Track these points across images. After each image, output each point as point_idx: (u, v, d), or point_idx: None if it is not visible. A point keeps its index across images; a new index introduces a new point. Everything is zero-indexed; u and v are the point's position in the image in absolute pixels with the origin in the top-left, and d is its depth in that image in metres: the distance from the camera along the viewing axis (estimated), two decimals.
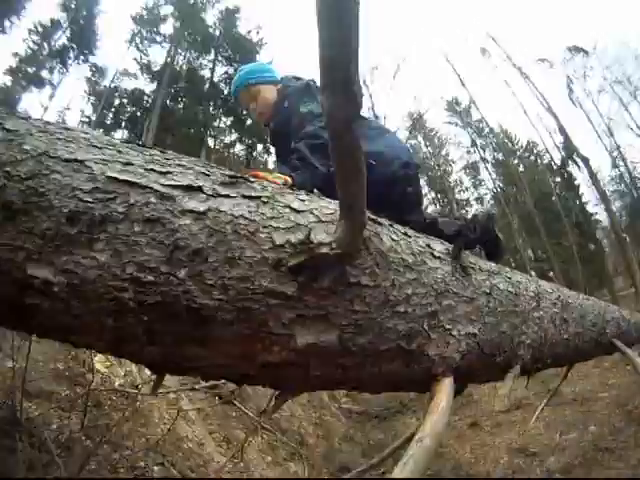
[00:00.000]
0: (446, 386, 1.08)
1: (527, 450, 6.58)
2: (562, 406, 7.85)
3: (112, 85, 27.56)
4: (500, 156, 29.57)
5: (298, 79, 2.26)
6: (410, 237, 1.14)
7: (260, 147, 28.49)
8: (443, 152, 33.20)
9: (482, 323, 1.24)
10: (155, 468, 4.35)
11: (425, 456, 0.88)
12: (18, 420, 3.32)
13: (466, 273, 1.24)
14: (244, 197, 0.85)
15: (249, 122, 25.84)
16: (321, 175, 1.67)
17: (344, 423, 10.93)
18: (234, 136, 28.93)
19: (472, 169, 32.17)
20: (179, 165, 0.88)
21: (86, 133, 0.95)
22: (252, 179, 0.93)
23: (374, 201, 0.87)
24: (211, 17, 28.60)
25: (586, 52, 25.70)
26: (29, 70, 25.43)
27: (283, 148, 2.08)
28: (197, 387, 5.96)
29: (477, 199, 32.22)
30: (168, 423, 5.26)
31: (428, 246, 1.18)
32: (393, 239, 1.04)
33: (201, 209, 0.79)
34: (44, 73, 26.47)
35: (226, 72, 27.31)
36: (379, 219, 1.07)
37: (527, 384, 2.01)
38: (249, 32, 28.23)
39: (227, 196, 0.83)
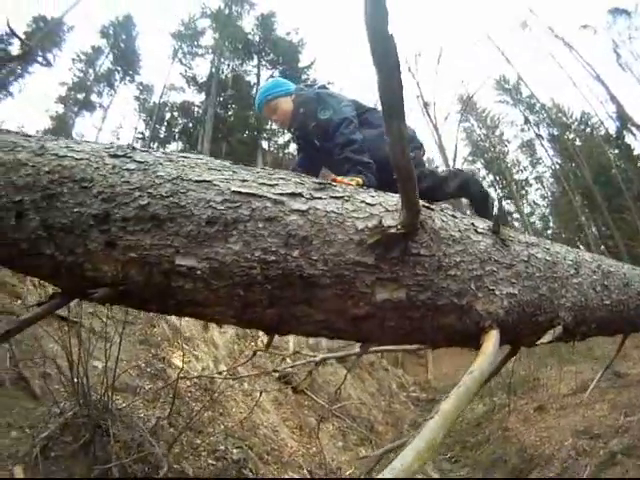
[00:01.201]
0: (493, 336, 1.33)
1: (591, 432, 6.60)
2: (627, 388, 7.79)
3: (161, 100, 28.81)
4: (555, 131, 28.41)
5: (308, 86, 2.70)
6: (457, 218, 1.44)
7: None
8: (497, 132, 32.14)
9: (521, 286, 1.47)
10: (234, 451, 4.81)
11: (474, 383, 1.15)
12: (111, 410, 3.82)
13: (505, 245, 1.50)
14: (331, 197, 1.21)
15: None
16: (374, 168, 2.03)
17: (412, 410, 11.16)
18: (287, 136, 29.78)
19: (528, 147, 30.86)
20: (281, 178, 1.25)
21: (200, 159, 1.33)
22: (334, 184, 1.28)
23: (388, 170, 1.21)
24: (248, 24, 29.41)
25: (628, 13, 24.32)
26: (79, 96, 27.21)
27: (304, 145, 2.59)
28: (273, 374, 6.47)
29: (536, 178, 30.87)
30: (244, 412, 5.74)
31: (472, 224, 1.46)
32: (443, 220, 1.35)
33: (304, 208, 1.15)
34: (93, 97, 28.39)
35: (271, 75, 28.10)
36: (431, 205, 1.37)
37: (573, 346, 2.17)
38: (288, 34, 28.92)
39: (320, 198, 1.20)
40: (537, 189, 30.42)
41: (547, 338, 1.59)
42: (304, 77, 28.03)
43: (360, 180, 1.76)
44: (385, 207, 1.25)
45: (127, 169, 1.25)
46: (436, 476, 6.85)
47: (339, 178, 1.54)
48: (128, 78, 29.85)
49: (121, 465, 3.52)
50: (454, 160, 21.56)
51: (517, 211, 28.63)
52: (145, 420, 4.16)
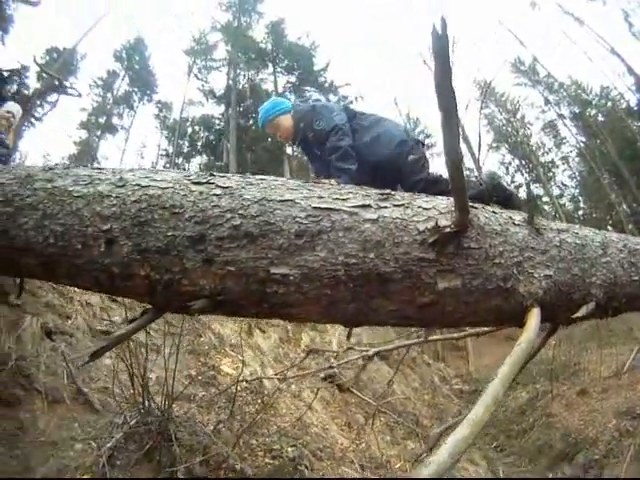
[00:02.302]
0: (534, 314, 1.56)
1: (634, 412, 6.68)
2: None
3: (181, 116, 29.49)
4: (576, 109, 27.92)
5: (304, 101, 3.05)
6: (496, 213, 1.68)
7: None
8: (518, 116, 31.51)
9: (556, 268, 1.68)
10: (289, 449, 5.06)
11: (523, 353, 1.37)
12: (172, 417, 4.11)
13: (539, 233, 1.72)
14: (395, 206, 1.47)
15: None
16: (353, 172, 2.33)
17: (456, 403, 11.30)
18: None
19: (551, 128, 30.09)
20: (349, 192, 1.51)
21: (276, 180, 1.59)
22: (394, 193, 1.52)
23: (387, 169, 1.45)
24: (259, 33, 29.72)
25: None
26: (100, 120, 28.13)
27: (310, 154, 2.94)
28: (320, 375, 6.73)
29: (562, 159, 30.00)
30: (294, 412, 6.01)
31: (510, 217, 1.70)
32: (486, 216, 1.59)
33: (374, 217, 1.42)
34: (114, 120, 29.39)
35: (288, 81, 28.76)
36: (475, 205, 1.62)
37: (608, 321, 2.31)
38: (299, 38, 29.14)
39: (385, 207, 1.46)
40: (564, 170, 29.75)
41: (581, 312, 1.78)
42: (321, 80, 28.59)
43: (334, 182, 1.91)
44: (439, 210, 1.50)
45: (214, 194, 1.51)
46: (483, 463, 6.97)
47: (323, 180, 1.81)
48: (146, 98, 30.82)
49: (186, 468, 3.80)
50: (479, 150, 21.52)
51: (546, 194, 28.14)
52: (204, 425, 4.44)
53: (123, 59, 30.07)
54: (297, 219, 1.41)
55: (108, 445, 3.74)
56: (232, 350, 6.53)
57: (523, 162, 29.78)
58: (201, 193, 1.53)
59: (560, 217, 24.18)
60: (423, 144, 2.83)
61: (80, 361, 4.36)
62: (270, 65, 29.15)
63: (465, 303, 1.49)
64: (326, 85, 28.51)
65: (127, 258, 1.53)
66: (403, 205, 1.49)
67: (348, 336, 2.10)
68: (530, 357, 2.30)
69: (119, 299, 5.79)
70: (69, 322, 5.05)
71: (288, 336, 8.69)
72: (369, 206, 1.45)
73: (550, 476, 6.58)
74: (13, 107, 4.01)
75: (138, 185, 1.61)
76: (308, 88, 28.37)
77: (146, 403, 3.98)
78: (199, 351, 6.08)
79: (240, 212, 1.44)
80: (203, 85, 30.55)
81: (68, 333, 4.84)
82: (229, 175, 1.65)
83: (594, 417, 7.29)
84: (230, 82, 29.22)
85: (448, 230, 1.38)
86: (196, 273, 1.47)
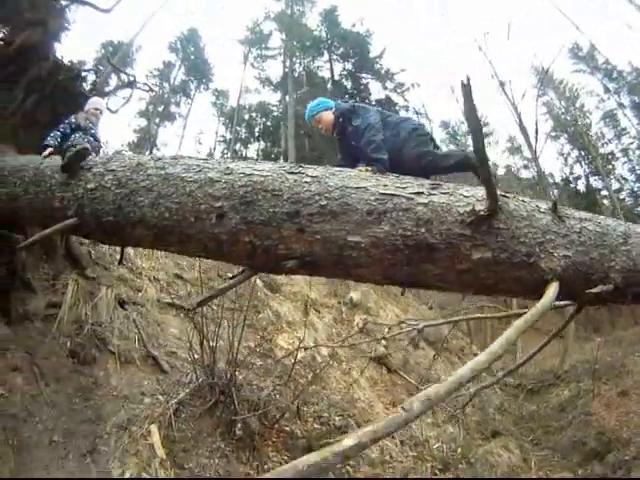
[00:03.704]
0: (553, 287, 1.96)
1: None
2: None
3: (238, 103, 30.45)
4: (637, 98, 26.86)
5: (346, 101, 3.55)
6: (525, 202, 2.13)
7: None
8: (577, 104, 30.48)
9: (574, 250, 2.06)
10: (337, 418, 5.72)
11: (536, 313, 1.82)
12: (234, 379, 4.77)
13: (561, 220, 2.12)
14: (442, 193, 1.99)
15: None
16: (385, 161, 2.77)
17: (499, 395, 11.60)
18: None
19: (611, 118, 28.85)
20: (408, 182, 2.05)
21: (351, 172, 2.14)
22: (442, 184, 2.02)
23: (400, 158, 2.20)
24: (312, 21, 30.18)
25: None
26: (159, 109, 29.51)
27: (344, 146, 3.41)
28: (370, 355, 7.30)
29: (622, 150, 28.47)
30: (343, 388, 6.62)
31: (537, 206, 2.14)
32: (515, 204, 2.06)
33: (426, 201, 1.95)
34: (172, 108, 30.74)
35: (344, 68, 29.10)
36: (507, 194, 2.09)
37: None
38: (354, 25, 29.24)
39: (434, 194, 1.98)
40: (624, 163, 28.59)
41: (597, 289, 2.07)
42: (376, 67, 28.72)
43: (370, 169, 2.43)
44: (476, 198, 1.99)
45: (305, 181, 2.11)
46: (517, 452, 7.32)
47: (360, 167, 2.44)
48: (203, 86, 32.11)
49: (243, 421, 4.46)
50: (536, 139, 21.25)
51: (605, 188, 27.17)
52: (260, 390, 5.09)
53: (178, 50, 31.34)
54: (368, 201, 1.98)
55: (175, 400, 4.47)
56: (288, 326, 7.17)
57: (582, 153, 28.57)
58: (295, 180, 2.15)
59: (617, 213, 23.42)
60: (434, 142, 3.26)
61: (191, 306, 5.02)
62: (325, 53, 29.64)
63: (495, 272, 1.98)
64: (382, 72, 28.68)
65: (235, 228, 2.17)
66: (448, 193, 2.02)
67: (402, 292, 2.58)
68: (556, 333, 2.77)
69: (184, 276, 6.55)
70: (139, 294, 5.79)
71: (342, 317, 9.35)
72: (422, 193, 1.99)
73: (580, 472, 6.88)
74: (99, 102, 4.59)
75: (243, 173, 2.26)
76: (363, 75, 28.76)
77: (212, 365, 4.64)
78: (258, 326, 6.83)
79: (326, 195, 2.04)
80: (259, 73, 31.49)
81: (139, 303, 5.60)
82: (315, 167, 2.24)
83: (630, 418, 7.56)
84: (286, 70, 29.90)
85: (482, 213, 1.87)
86: (291, 240, 2.08)
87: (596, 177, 27.16)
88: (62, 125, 3.98)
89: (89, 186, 2.70)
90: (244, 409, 4.64)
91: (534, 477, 6.87)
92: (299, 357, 6.16)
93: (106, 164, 2.77)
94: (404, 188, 2.03)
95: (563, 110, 29.77)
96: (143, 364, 4.91)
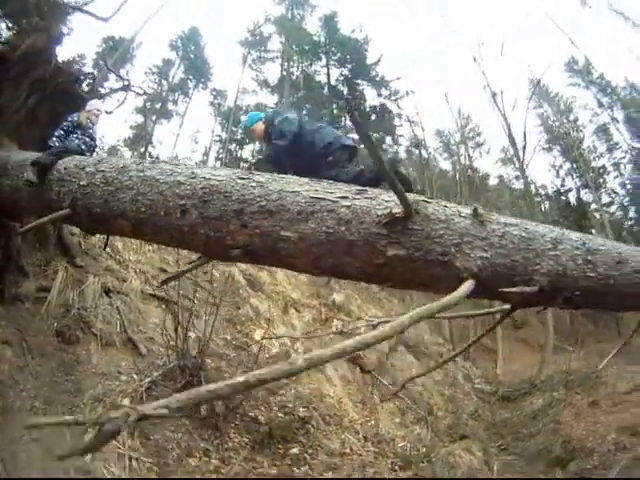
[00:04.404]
0: (467, 285, 2.17)
1: (635, 429, 7.17)
2: None
3: (235, 104, 30.85)
4: (632, 112, 26.97)
5: (276, 113, 4.03)
6: (447, 207, 2.39)
7: (389, 139, 30.03)
8: (571, 117, 30.40)
9: (493, 252, 2.25)
10: (301, 409, 6.05)
11: (439, 306, 2.01)
12: (203, 366, 5.18)
13: (482, 224, 2.32)
14: (365, 198, 2.30)
15: (373, 117, 28.19)
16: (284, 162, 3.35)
17: (474, 402, 11.86)
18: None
19: (603, 132, 28.96)
20: (337, 188, 2.37)
21: (292, 179, 2.45)
22: (368, 190, 2.33)
23: (316, 165, 2.73)
24: (312, 26, 30.64)
25: None
26: (156, 106, 29.90)
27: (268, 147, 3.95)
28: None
29: (613, 165, 28.54)
30: (314, 383, 6.91)
31: (458, 211, 2.37)
32: (435, 208, 2.33)
33: (349, 204, 2.26)
34: (170, 106, 31.08)
35: (341, 73, 29.62)
36: (428, 199, 2.37)
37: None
38: (352, 31, 29.78)
39: (358, 198, 2.30)
40: (615, 177, 28.72)
41: (516, 290, 2.21)
42: (372, 74, 29.22)
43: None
44: (395, 202, 2.26)
45: (251, 186, 2.46)
46: (479, 454, 7.54)
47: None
48: (201, 85, 32.42)
49: (209, 406, 4.88)
50: (524, 149, 21.47)
51: (595, 201, 27.37)
52: (230, 377, 5.41)
53: (178, 48, 31.72)
54: (299, 203, 2.32)
55: (148, 379, 4.87)
56: (266, 323, 7.48)
57: (574, 166, 28.69)
58: (243, 185, 2.52)
59: (605, 226, 23.69)
60: (351, 147, 3.59)
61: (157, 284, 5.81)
62: (324, 57, 30.13)
63: (411, 268, 2.27)
64: (377, 79, 29.16)
65: (194, 222, 2.55)
66: (371, 198, 2.32)
67: (328, 282, 2.90)
68: (485, 333, 3.05)
69: (168, 270, 6.90)
70: (124, 284, 6.13)
71: (321, 317, 9.65)
72: (347, 197, 2.32)
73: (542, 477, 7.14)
74: (98, 104, 4.97)
75: (204, 177, 2.65)
76: (359, 81, 29.14)
77: (185, 350, 5.01)
78: (236, 321, 7.22)
79: (266, 197, 2.40)
80: (257, 75, 31.91)
81: (123, 293, 5.96)
82: (263, 174, 2.59)
83: (597, 428, 7.82)
84: (284, 73, 30.45)
85: (398, 216, 2.16)
86: (236, 232, 2.44)
87: (587, 190, 27.34)
88: (65, 123, 4.42)
89: (82, 183, 3.21)
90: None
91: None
92: (274, 351, 6.48)
93: (97, 165, 3.27)
94: (332, 193, 2.36)
95: (557, 123, 29.99)
96: (122, 347, 5.31)
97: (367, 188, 2.44)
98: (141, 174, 2.91)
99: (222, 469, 4.54)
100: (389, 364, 9.64)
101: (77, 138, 4.32)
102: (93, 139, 4.54)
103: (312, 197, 2.36)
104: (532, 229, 2.34)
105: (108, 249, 6.39)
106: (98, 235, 6.18)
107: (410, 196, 2.30)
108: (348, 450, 6.10)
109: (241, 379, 1.48)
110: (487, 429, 9.75)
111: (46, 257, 5.50)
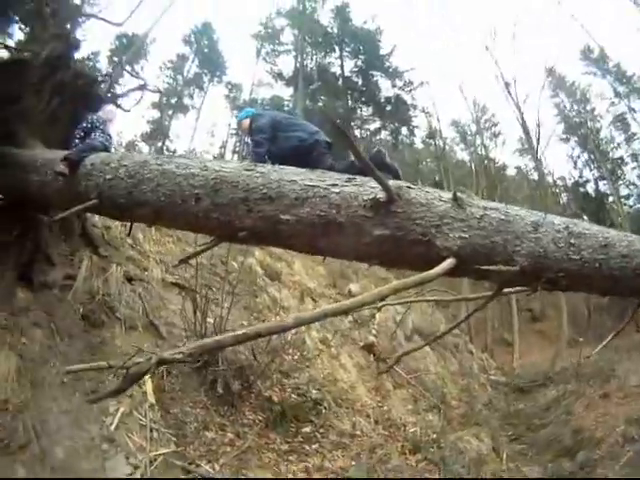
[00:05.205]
0: (446, 262, 2.47)
1: None
2: None
3: (251, 97, 31.49)
4: None
5: (264, 108, 5.14)
6: (429, 192, 2.71)
7: (405, 130, 30.34)
8: (588, 107, 29.78)
9: (472, 233, 2.51)
10: (314, 391, 6.48)
11: (419, 279, 2.44)
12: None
13: (461, 207, 2.58)
14: (353, 185, 2.69)
15: (389, 108, 28.78)
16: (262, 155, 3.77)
17: (489, 392, 12.15)
18: (378, 124, 31.21)
19: (621, 122, 28.13)
20: (328, 177, 2.76)
21: (291, 169, 2.86)
22: (357, 178, 2.70)
23: (298, 160, 3.08)
24: (324, 18, 30.97)
25: None
26: (172, 101, 30.62)
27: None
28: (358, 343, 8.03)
29: (632, 155, 27.83)
30: (328, 369, 7.34)
31: (439, 195, 2.68)
32: (417, 193, 2.66)
33: (338, 190, 2.63)
34: (185, 100, 31.81)
35: (355, 64, 29.98)
36: (412, 185, 2.71)
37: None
38: (365, 22, 30.11)
39: (347, 185, 2.69)
40: (633, 168, 28.24)
41: (494, 268, 2.42)
42: (386, 64, 29.57)
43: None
44: (380, 189, 2.60)
45: (255, 176, 2.87)
46: (487, 440, 7.77)
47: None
48: (216, 79, 33.18)
49: (225, 382, 5.35)
50: (537, 140, 21.44)
51: (613, 194, 26.97)
52: (246, 360, 5.88)
53: (192, 43, 32.44)
54: (296, 190, 2.72)
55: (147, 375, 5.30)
56: (283, 311, 7.93)
57: (592, 156, 28.35)
58: (248, 175, 2.92)
59: (621, 217, 23.44)
60: (326, 143, 3.90)
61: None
62: (337, 49, 30.54)
63: (395, 247, 2.62)
64: (391, 70, 29.49)
65: (207, 208, 2.97)
66: (359, 185, 2.69)
67: (323, 259, 3.30)
68: (473, 311, 3.39)
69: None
70: (146, 273, 6.61)
71: None
72: (337, 184, 2.69)
73: (549, 467, 7.39)
74: (113, 112, 5.64)
75: (214, 170, 3.07)
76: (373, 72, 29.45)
77: (203, 333, 5.55)
78: (253, 309, 7.70)
79: (267, 185, 2.80)
80: (272, 68, 32.58)
81: (145, 280, 6.42)
82: (266, 165, 3.05)
83: (607, 419, 8.07)
84: (298, 65, 30.94)
85: (381, 200, 2.52)
86: (242, 217, 2.85)
87: (604, 181, 26.97)
88: (85, 124, 4.86)
89: (107, 177, 3.64)
90: (228, 373, 5.42)
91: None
92: (289, 338, 6.89)
93: (120, 160, 3.69)
94: (324, 181, 2.75)
95: (574, 113, 29.61)
96: (145, 330, 5.77)
97: (356, 177, 2.79)
98: (160, 168, 3.32)
99: (236, 442, 4.98)
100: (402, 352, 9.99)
101: (100, 136, 4.79)
102: (111, 137, 5.05)
103: (307, 185, 2.73)
104: (513, 213, 2.53)
105: (129, 240, 6.89)
106: (119, 227, 6.76)
107: (393, 183, 2.65)
108: (359, 432, 6.49)
109: (241, 331, 1.87)
110: (500, 419, 10.01)
111: (71, 248, 5.95)
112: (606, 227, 2.52)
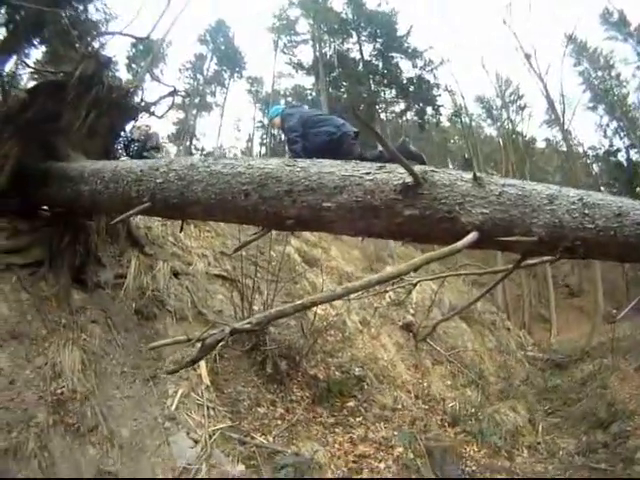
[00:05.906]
0: (471, 235, 2.82)
1: None
2: None
3: (273, 89, 32.12)
4: None
5: (292, 107, 5.33)
6: (451, 174, 3.07)
7: (430, 110, 30.41)
8: (613, 73, 29.35)
9: (492, 208, 2.84)
10: (356, 369, 7.01)
11: (447, 251, 2.82)
12: (268, 331, 6.12)
13: (482, 186, 2.93)
14: (384, 172, 3.11)
15: (412, 89, 28.99)
16: (298, 150, 4.42)
17: (526, 368, 12.46)
18: (402, 105, 31.58)
19: None
20: (362, 167, 3.21)
21: (328, 161, 3.34)
22: (387, 166, 3.11)
23: (330, 152, 3.75)
24: (337, 4, 31.22)
25: None
26: (195, 100, 31.41)
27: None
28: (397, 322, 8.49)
29: None
30: (368, 348, 7.83)
31: (461, 176, 3.04)
32: (441, 175, 3.04)
33: (371, 178, 3.08)
34: (208, 98, 32.66)
35: (374, 47, 30.16)
36: (436, 168, 3.11)
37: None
38: (379, 5, 30.25)
39: (378, 173, 3.11)
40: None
41: (514, 239, 2.73)
42: (405, 45, 29.61)
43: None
44: (407, 174, 3.00)
45: (297, 171, 3.31)
46: (523, 413, 8.13)
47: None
48: (236, 75, 34.11)
49: (273, 362, 5.87)
50: (563, 111, 21.16)
51: None
52: (291, 342, 6.39)
53: (208, 42, 33.29)
54: (334, 181, 3.16)
55: (220, 344, 5.77)
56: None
57: (621, 124, 27.88)
58: (290, 170, 3.36)
59: None
60: (354, 133, 4.53)
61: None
62: (354, 34, 30.67)
63: (424, 224, 3.00)
64: (410, 51, 29.55)
65: (255, 202, 3.42)
66: (389, 172, 3.10)
67: (362, 240, 3.74)
68: (497, 283, 3.77)
69: (226, 252, 7.93)
70: (190, 267, 7.17)
71: (375, 288, 10.57)
72: (370, 173, 3.12)
73: (584, 439, 7.72)
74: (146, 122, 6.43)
75: (259, 167, 3.51)
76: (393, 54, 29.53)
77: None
78: (294, 294, 8.27)
79: (309, 178, 3.24)
80: (290, 59, 33.26)
81: (190, 274, 6.98)
82: (305, 160, 3.49)
83: None
84: (317, 54, 31.37)
85: (409, 184, 2.92)
86: (288, 207, 3.29)
87: (636, 149, 26.35)
88: (122, 138, 5.46)
89: (158, 181, 4.03)
90: (275, 354, 5.93)
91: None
92: (330, 320, 7.38)
93: (168, 165, 4.08)
94: (358, 170, 3.16)
95: (598, 80, 28.98)
96: (195, 320, 6.34)
97: (386, 164, 3.20)
98: (208, 169, 3.73)
99: (286, 416, 5.50)
100: (442, 332, 10.40)
101: (139, 148, 5.34)
102: (159, 144, 5.62)
103: (343, 175, 3.15)
104: (529, 188, 2.79)
105: (171, 237, 7.45)
106: (160, 227, 7.32)
107: (419, 168, 3.05)
108: (400, 406, 6.97)
109: (299, 302, 2.30)
110: (537, 394, 10.37)
111: (119, 249, 6.53)
112: None
